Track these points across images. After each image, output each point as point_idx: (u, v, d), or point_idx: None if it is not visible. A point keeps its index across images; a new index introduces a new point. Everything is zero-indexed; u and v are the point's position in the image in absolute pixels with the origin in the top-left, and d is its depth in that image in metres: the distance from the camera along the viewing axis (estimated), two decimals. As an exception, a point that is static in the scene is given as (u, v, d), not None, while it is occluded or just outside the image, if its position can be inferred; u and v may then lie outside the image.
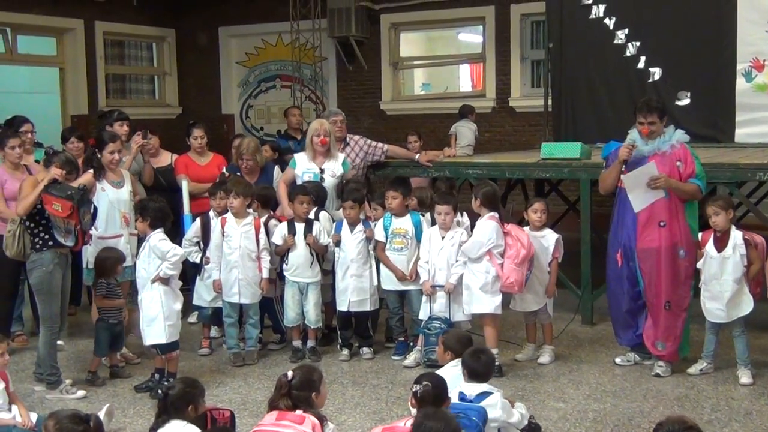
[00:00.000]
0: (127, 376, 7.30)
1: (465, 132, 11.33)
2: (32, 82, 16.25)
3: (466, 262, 7.50)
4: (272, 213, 8.43)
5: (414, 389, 4.91)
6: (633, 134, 7.33)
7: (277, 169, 9.18)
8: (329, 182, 8.56)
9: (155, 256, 7.02)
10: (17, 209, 7.01)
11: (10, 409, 6.00)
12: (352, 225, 7.97)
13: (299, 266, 7.96)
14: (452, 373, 5.65)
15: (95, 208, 7.32)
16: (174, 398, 4.89)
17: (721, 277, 7.06)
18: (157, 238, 7.05)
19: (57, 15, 14.34)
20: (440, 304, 7.61)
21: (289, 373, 4.87)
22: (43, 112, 13.94)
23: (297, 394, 4.83)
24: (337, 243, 7.97)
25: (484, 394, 5.31)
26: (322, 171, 8.60)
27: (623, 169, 7.24)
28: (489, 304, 7.39)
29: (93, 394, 7.10)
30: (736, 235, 7.06)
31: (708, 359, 7.31)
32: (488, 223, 7.43)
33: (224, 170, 8.98)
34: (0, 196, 7.98)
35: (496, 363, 6.91)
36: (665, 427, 4.13)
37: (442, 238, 7.66)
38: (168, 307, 7.04)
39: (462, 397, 5.30)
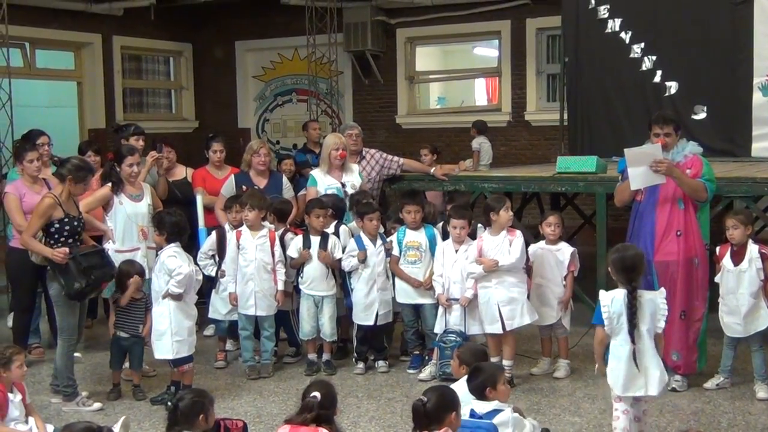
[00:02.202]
0: (140, 398, 7.29)
1: (487, 149, 11.36)
2: (50, 96, 16.34)
3: (473, 277, 7.54)
4: (288, 226, 8.45)
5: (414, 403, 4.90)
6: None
7: (286, 180, 9.22)
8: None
9: (165, 272, 7.05)
10: (31, 247, 7.02)
11: (27, 421, 6.03)
12: (373, 239, 7.98)
13: (315, 279, 7.97)
14: (467, 387, 5.64)
15: (112, 272, 7.29)
16: (185, 409, 4.89)
17: (738, 291, 7.06)
18: (167, 254, 7.08)
19: (75, 29, 14.45)
20: (455, 317, 7.62)
21: (316, 394, 4.80)
22: (61, 125, 14.02)
23: (325, 414, 4.79)
24: (363, 260, 7.96)
25: (495, 412, 5.29)
26: (343, 185, 8.64)
27: None
28: (534, 313, 7.49)
29: (109, 406, 7.13)
30: (753, 249, 7.06)
31: (725, 374, 7.29)
32: (521, 234, 7.54)
33: (232, 178, 9.02)
34: (19, 210, 8.00)
35: (508, 375, 6.91)
36: None
37: (456, 251, 7.67)
38: (177, 323, 7.06)
39: (473, 414, 5.28)
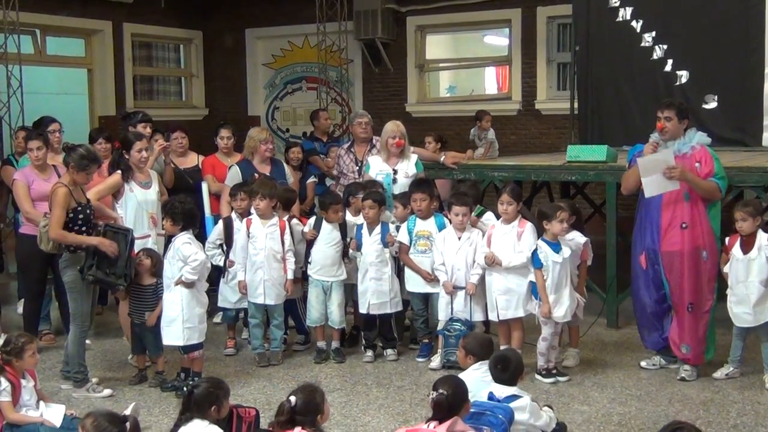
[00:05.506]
0: (153, 385, 7.32)
1: (495, 141, 11.38)
2: (61, 84, 16.36)
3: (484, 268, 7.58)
4: (293, 214, 8.45)
5: (431, 395, 4.91)
6: (656, 135, 7.31)
7: (287, 167, 9.27)
8: (403, 183, 8.61)
9: (178, 259, 7.06)
10: (69, 241, 6.96)
11: (37, 407, 6.07)
12: (371, 227, 7.98)
13: (323, 266, 7.98)
14: (474, 376, 5.66)
15: (132, 260, 7.30)
16: (198, 397, 4.89)
17: (747, 280, 7.04)
18: (181, 241, 7.08)
19: (85, 17, 14.45)
20: (459, 303, 7.64)
21: (292, 399, 4.74)
22: (72, 113, 14.02)
23: (301, 419, 4.69)
24: (358, 248, 8.00)
25: (514, 397, 5.34)
26: (395, 172, 8.66)
27: None
28: (533, 306, 7.46)
29: (120, 392, 7.16)
30: (762, 237, 7.03)
31: (734, 364, 7.28)
32: (531, 228, 7.51)
33: (237, 167, 9.01)
34: (27, 197, 8.02)
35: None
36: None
37: (459, 238, 7.68)
38: (189, 310, 7.07)
39: (491, 397, 5.34)
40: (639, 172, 7.17)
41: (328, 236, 7.98)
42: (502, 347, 7.42)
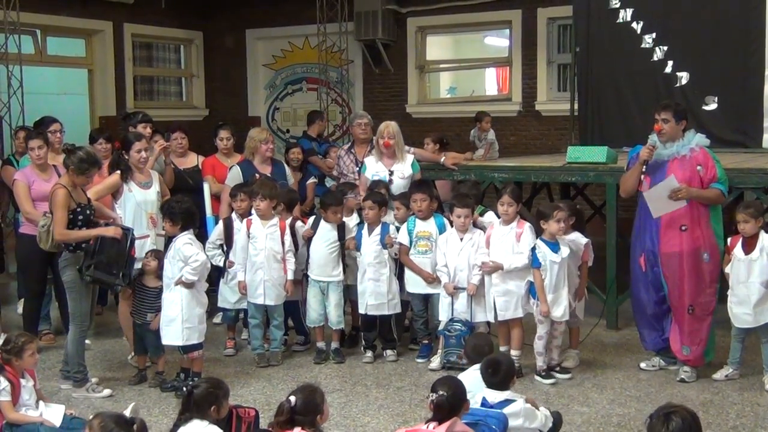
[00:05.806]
0: (153, 385, 7.32)
1: (495, 142, 11.39)
2: (61, 84, 16.36)
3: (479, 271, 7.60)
4: (296, 215, 8.46)
5: (430, 397, 4.91)
6: (654, 137, 7.32)
7: (288, 168, 9.28)
8: (399, 184, 8.60)
9: (179, 259, 7.06)
10: (73, 238, 6.96)
11: (37, 407, 6.07)
12: (371, 228, 7.98)
13: (320, 266, 7.99)
14: (473, 376, 5.65)
15: (131, 260, 7.32)
16: (198, 397, 4.88)
17: (748, 280, 7.04)
18: (182, 241, 7.08)
19: (86, 17, 14.45)
20: (461, 304, 7.64)
21: (292, 399, 4.72)
22: (72, 113, 14.03)
23: (301, 419, 4.68)
24: (357, 248, 8.00)
25: (507, 402, 5.32)
26: (391, 173, 8.66)
27: (644, 170, 7.22)
28: (531, 306, 7.46)
29: (119, 392, 7.16)
30: (764, 238, 7.04)
31: (734, 365, 7.27)
32: (530, 229, 7.51)
33: (238, 167, 9.01)
34: (27, 198, 8.02)
35: (516, 365, 6.91)
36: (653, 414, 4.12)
37: (461, 240, 7.68)
38: (188, 310, 7.06)
39: (484, 402, 5.32)
40: (645, 200, 7.20)
41: (326, 236, 7.99)
42: (501, 348, 7.44)
